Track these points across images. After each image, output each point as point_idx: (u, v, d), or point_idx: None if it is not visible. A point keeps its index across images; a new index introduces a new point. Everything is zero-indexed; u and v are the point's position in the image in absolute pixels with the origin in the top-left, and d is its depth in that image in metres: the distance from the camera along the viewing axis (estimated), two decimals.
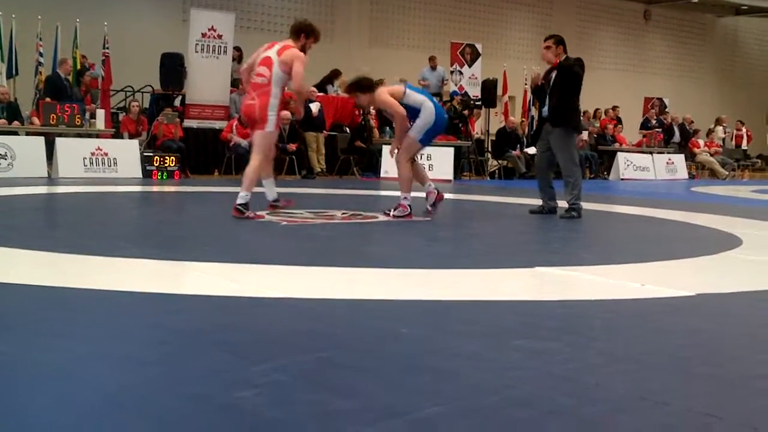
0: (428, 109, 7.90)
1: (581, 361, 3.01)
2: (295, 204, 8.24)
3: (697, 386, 2.77)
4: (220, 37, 15.29)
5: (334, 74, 17.63)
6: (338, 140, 16.50)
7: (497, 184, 15.80)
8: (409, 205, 7.83)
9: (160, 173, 13.32)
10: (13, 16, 14.59)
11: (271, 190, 7.99)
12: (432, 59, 18.74)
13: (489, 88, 18.81)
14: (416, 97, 7.93)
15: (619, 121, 21.36)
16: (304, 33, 7.52)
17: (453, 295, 4.24)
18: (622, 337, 3.43)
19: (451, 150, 16.12)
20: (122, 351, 2.99)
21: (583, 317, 3.80)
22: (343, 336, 3.29)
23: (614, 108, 21.45)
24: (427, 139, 8.08)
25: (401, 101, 7.83)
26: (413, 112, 7.88)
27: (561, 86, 8.65)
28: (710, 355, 3.22)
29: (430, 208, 8.14)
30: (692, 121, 22.78)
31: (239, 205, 7.35)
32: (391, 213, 7.80)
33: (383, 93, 7.85)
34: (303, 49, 7.49)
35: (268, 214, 7.66)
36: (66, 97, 13.95)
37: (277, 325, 3.45)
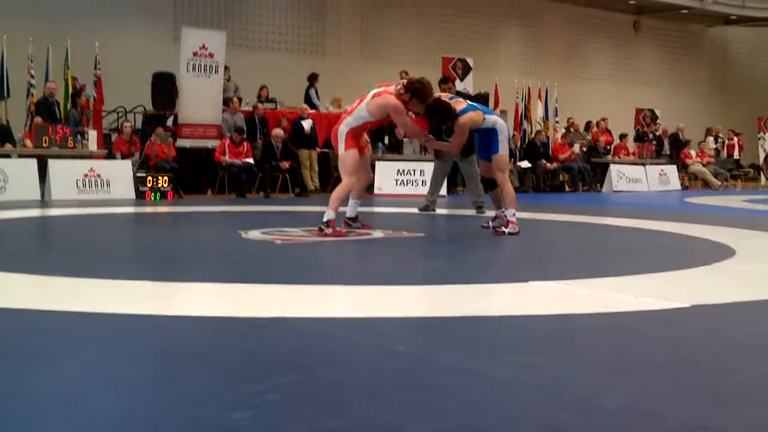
0: (501, 124, 8.07)
1: (575, 375, 3.01)
2: (373, 228, 8.10)
3: (692, 398, 2.77)
4: (211, 55, 15.30)
5: (313, 77, 17.77)
6: (331, 157, 16.47)
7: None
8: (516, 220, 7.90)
9: (153, 194, 13.30)
10: (4, 37, 14.61)
11: (352, 208, 8.01)
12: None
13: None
14: (491, 118, 8.05)
15: (609, 132, 21.41)
16: (412, 93, 7.51)
17: (447, 311, 4.24)
18: (616, 351, 3.43)
19: None
20: (117, 374, 2.98)
21: (577, 331, 3.80)
22: (337, 354, 3.28)
23: (604, 120, 21.51)
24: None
25: (483, 126, 7.93)
26: (489, 132, 7.98)
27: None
28: (705, 367, 3.22)
29: (490, 227, 8.22)
30: (683, 129, 22.83)
31: (321, 223, 7.43)
32: (505, 231, 7.76)
33: (467, 124, 7.85)
34: (405, 105, 7.56)
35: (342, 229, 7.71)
36: (55, 120, 13.94)
37: (271, 345, 3.44)
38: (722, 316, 4.25)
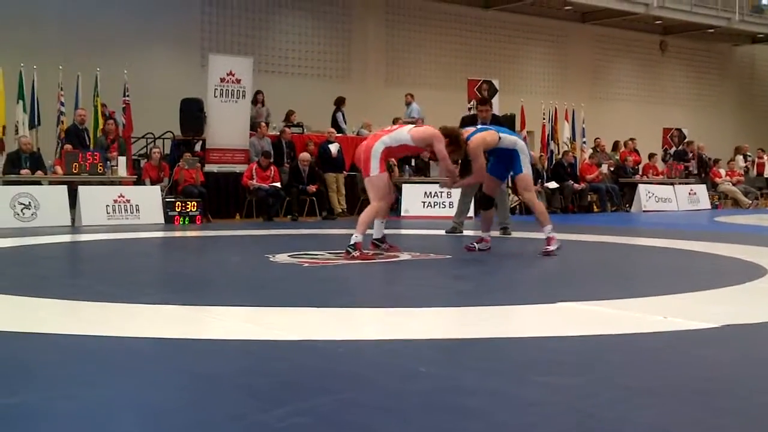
0: (522, 145, 8.06)
1: (605, 396, 2.98)
2: (400, 250, 8.10)
3: (722, 420, 2.74)
4: (238, 81, 15.44)
5: (340, 101, 17.96)
6: (358, 180, 16.53)
7: (517, 220, 15.75)
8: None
9: (182, 218, 13.40)
10: (35, 66, 14.79)
11: (379, 229, 7.99)
12: (407, 96, 19.12)
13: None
14: (508, 139, 7.99)
15: (637, 152, 21.32)
16: (451, 139, 7.66)
17: (474, 333, 4.22)
18: (645, 372, 3.40)
19: None
20: (144, 398, 3.00)
21: (606, 352, 3.77)
22: (363, 376, 3.28)
23: (632, 140, 21.43)
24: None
25: (498, 146, 7.90)
26: (508, 153, 7.96)
27: None
28: (735, 389, 3.18)
29: (476, 248, 8.21)
30: (703, 148, 22.70)
31: (348, 246, 7.44)
32: (551, 249, 7.79)
33: (479, 146, 7.81)
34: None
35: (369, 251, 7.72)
36: (85, 147, 14.10)
37: (297, 368, 3.44)
38: (753, 337, 4.20)
